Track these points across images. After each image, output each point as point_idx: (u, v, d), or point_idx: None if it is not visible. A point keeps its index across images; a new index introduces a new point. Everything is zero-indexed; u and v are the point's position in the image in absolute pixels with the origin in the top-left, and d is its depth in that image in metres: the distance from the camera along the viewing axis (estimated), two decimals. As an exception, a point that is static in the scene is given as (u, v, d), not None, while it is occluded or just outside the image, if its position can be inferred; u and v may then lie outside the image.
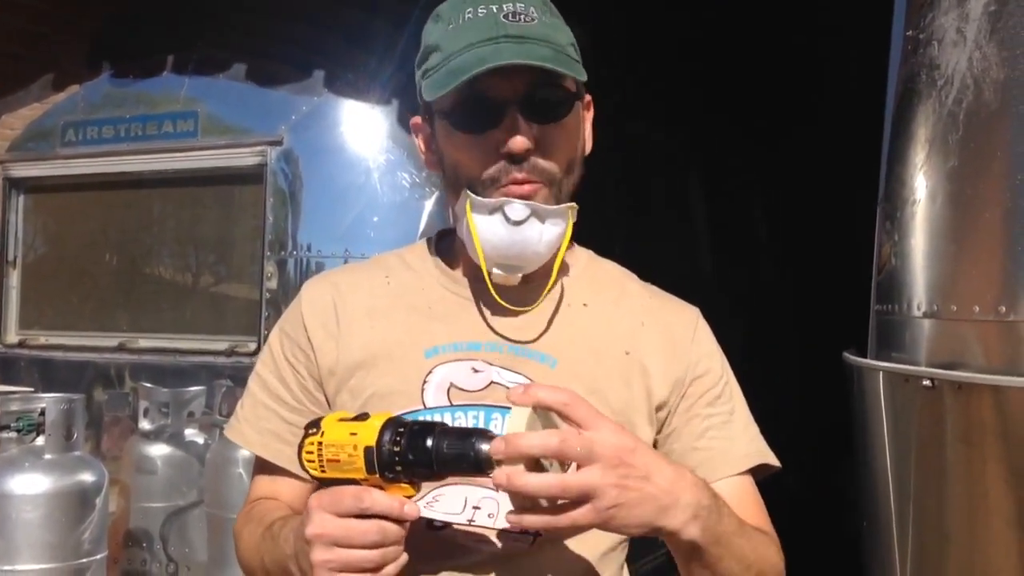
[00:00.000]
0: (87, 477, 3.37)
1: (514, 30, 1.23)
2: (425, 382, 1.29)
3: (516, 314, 1.33)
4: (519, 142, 1.24)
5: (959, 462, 2.11)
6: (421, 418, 1.22)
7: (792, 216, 6.80)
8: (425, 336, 1.32)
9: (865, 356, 2.51)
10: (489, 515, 1.25)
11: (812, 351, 4.75)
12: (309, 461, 1.14)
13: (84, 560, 3.32)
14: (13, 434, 3.31)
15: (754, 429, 1.40)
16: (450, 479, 1.22)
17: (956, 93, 2.17)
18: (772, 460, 1.38)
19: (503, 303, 1.31)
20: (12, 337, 4.92)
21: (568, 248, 1.40)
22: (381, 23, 4.25)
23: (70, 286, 4.93)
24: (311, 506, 1.11)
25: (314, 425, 1.15)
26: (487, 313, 1.34)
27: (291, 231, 4.14)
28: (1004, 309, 2.04)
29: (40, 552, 3.25)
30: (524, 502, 1.08)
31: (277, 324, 1.42)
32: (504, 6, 1.25)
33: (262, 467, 1.39)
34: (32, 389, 4.05)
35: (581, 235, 1.37)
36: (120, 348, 4.56)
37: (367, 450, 1.09)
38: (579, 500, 1.06)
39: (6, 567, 3.21)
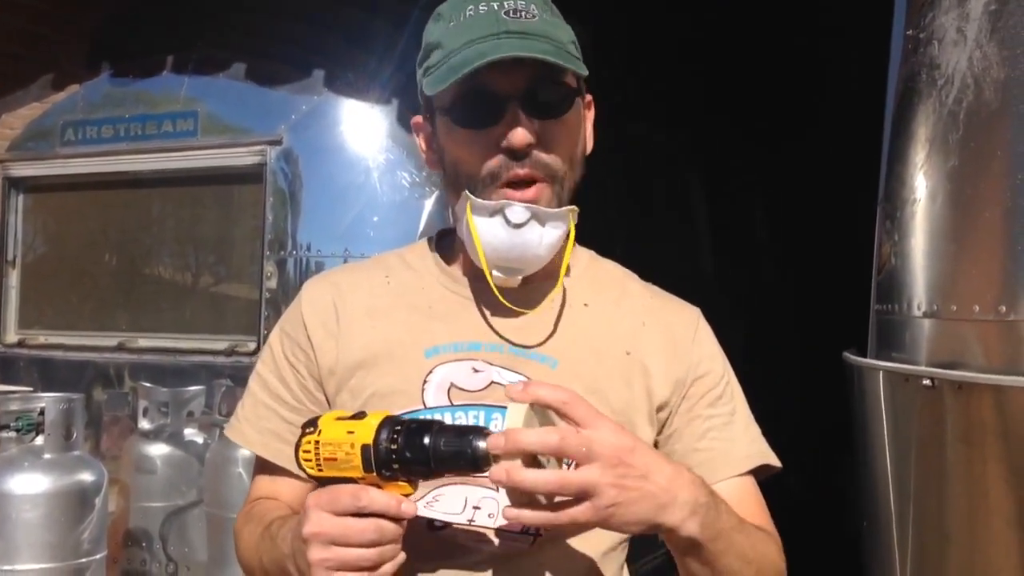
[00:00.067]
0: (86, 477, 3.37)
1: (515, 26, 1.24)
2: (425, 382, 1.29)
3: (517, 314, 1.33)
4: (520, 135, 1.23)
5: (959, 462, 2.11)
6: (419, 417, 1.22)
7: (793, 217, 6.80)
8: (425, 336, 1.32)
9: (865, 356, 2.50)
10: (489, 515, 1.25)
11: (813, 351, 4.75)
12: (306, 460, 1.14)
13: (83, 560, 3.32)
14: (12, 434, 3.31)
15: (755, 430, 1.40)
16: (449, 478, 1.22)
17: (956, 92, 2.17)
18: (773, 461, 1.38)
19: (504, 302, 1.31)
20: (11, 337, 4.92)
21: (569, 249, 1.40)
22: (381, 23, 4.25)
23: (70, 286, 4.92)
24: (308, 505, 1.11)
25: (311, 424, 1.15)
26: (487, 313, 1.34)
27: (291, 231, 4.14)
28: (1004, 309, 2.04)
29: (39, 552, 3.25)
30: (522, 499, 1.08)
31: (278, 324, 1.42)
32: (505, 3, 1.26)
33: (262, 467, 1.39)
34: (31, 389, 4.05)
35: (582, 236, 1.37)
36: (119, 348, 4.56)
37: (364, 448, 1.09)
38: (578, 497, 1.06)
39: (5, 567, 3.21)
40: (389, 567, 1.10)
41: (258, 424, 1.37)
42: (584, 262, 1.44)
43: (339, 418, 1.14)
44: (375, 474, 1.10)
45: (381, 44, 4.21)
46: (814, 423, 5.49)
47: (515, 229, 1.25)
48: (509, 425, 1.07)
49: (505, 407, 1.09)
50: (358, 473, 1.10)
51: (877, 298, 2.47)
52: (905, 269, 2.31)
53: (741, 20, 5.91)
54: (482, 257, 1.27)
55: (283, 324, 1.40)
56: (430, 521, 1.25)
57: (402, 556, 1.12)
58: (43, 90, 4.89)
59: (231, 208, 4.49)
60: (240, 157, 4.27)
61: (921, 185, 2.26)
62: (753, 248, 6.93)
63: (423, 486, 1.21)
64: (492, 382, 1.29)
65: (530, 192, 1.26)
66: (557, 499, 1.09)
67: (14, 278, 4.97)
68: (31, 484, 3.26)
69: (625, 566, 1.38)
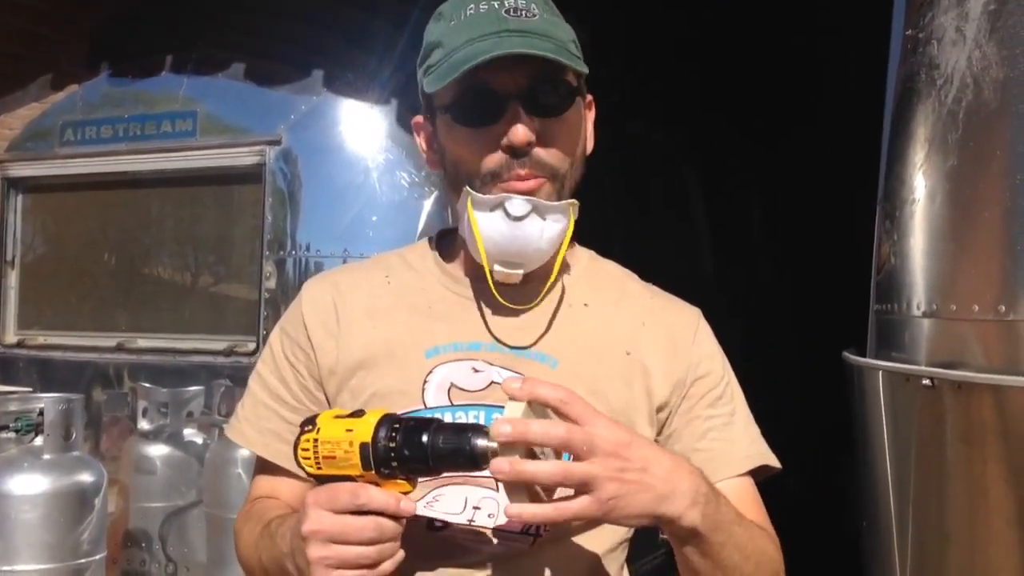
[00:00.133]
0: (86, 477, 3.37)
1: (516, 25, 1.24)
2: (426, 382, 1.29)
3: (517, 313, 1.33)
4: (520, 133, 1.23)
5: (959, 462, 2.11)
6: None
7: (791, 216, 6.80)
8: (426, 336, 1.32)
9: (865, 356, 2.50)
10: (489, 515, 1.25)
11: (812, 351, 4.75)
12: (305, 458, 1.14)
13: (83, 560, 3.32)
14: (12, 434, 3.31)
15: (755, 430, 1.40)
16: (449, 478, 1.22)
17: (955, 92, 2.16)
18: (773, 461, 1.38)
19: (503, 301, 1.31)
20: (11, 337, 4.92)
21: (569, 248, 1.40)
22: (381, 23, 4.25)
23: (69, 286, 4.92)
24: (307, 503, 1.11)
25: (310, 422, 1.15)
26: (488, 313, 1.34)
27: (290, 231, 4.14)
28: (1004, 308, 2.04)
29: (39, 552, 3.25)
30: (522, 497, 1.08)
31: (278, 324, 1.42)
32: (506, 2, 1.26)
33: (262, 467, 1.39)
34: (31, 389, 4.05)
35: (581, 235, 1.37)
36: (119, 348, 4.56)
37: (363, 446, 1.09)
38: (579, 489, 1.06)
39: (5, 567, 3.21)
40: (388, 565, 1.10)
41: (258, 424, 1.37)
42: (584, 262, 1.44)
43: (338, 416, 1.14)
44: (374, 472, 1.10)
45: (381, 44, 4.21)
46: (813, 423, 5.49)
47: (516, 222, 1.24)
48: None
49: (504, 408, 1.09)
50: (357, 471, 1.10)
51: (876, 298, 2.47)
52: (904, 269, 2.31)
53: (739, 19, 5.91)
54: (482, 252, 1.27)
55: (283, 324, 1.40)
56: (430, 521, 1.25)
57: (401, 554, 1.11)
58: (42, 90, 4.89)
59: (230, 208, 4.49)
60: (239, 157, 4.28)
61: (920, 185, 2.26)
62: (751, 247, 6.93)
63: (423, 486, 1.21)
64: (492, 382, 1.29)
65: (530, 183, 1.26)
66: (558, 495, 1.09)
67: (13, 278, 4.97)
68: (30, 485, 3.26)
69: (625, 566, 1.38)
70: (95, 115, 4.67)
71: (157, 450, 4.11)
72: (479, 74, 1.22)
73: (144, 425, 4.16)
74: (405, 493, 1.11)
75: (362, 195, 4.06)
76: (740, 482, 1.34)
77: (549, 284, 1.33)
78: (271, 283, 4.14)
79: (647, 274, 1.48)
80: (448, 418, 1.25)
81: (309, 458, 1.13)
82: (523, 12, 1.25)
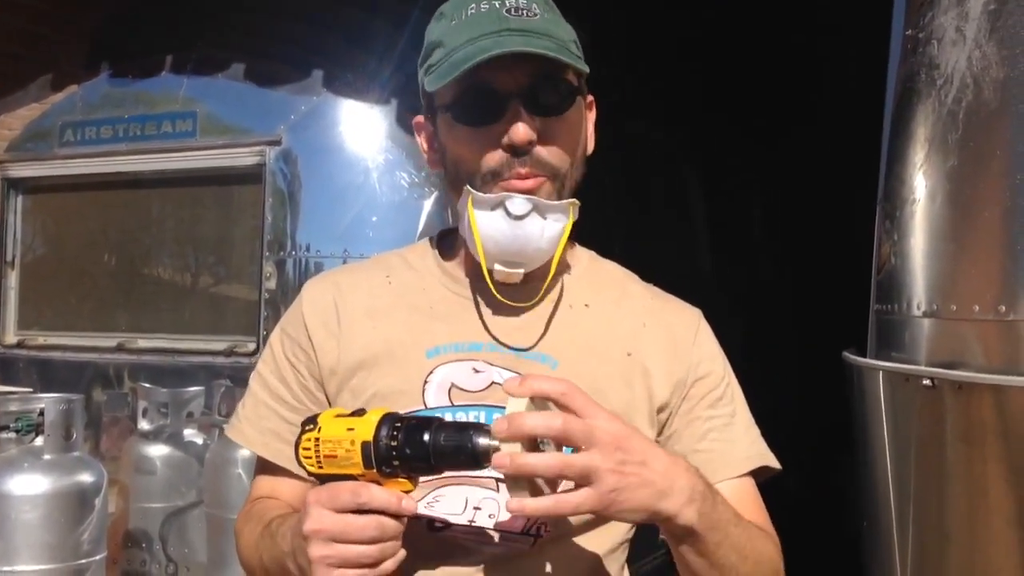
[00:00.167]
0: (86, 477, 3.37)
1: (517, 24, 1.24)
2: (426, 382, 1.29)
3: (518, 313, 1.33)
4: (521, 132, 1.23)
5: (959, 462, 2.11)
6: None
7: (791, 215, 6.80)
8: (426, 336, 1.32)
9: (865, 356, 2.50)
10: (490, 516, 1.25)
11: (812, 351, 4.75)
12: (306, 457, 1.14)
13: (83, 561, 3.32)
14: (12, 434, 3.31)
15: (755, 431, 1.40)
16: (450, 477, 1.22)
17: (955, 92, 2.16)
18: (773, 462, 1.38)
19: (502, 299, 1.31)
20: (11, 337, 4.92)
21: (569, 248, 1.41)
22: (381, 23, 4.25)
23: (69, 286, 4.92)
24: (308, 502, 1.11)
25: (311, 421, 1.15)
26: (488, 313, 1.34)
27: (290, 231, 4.14)
28: (1004, 308, 2.04)
29: (39, 553, 3.25)
30: (523, 493, 1.08)
31: (279, 324, 1.42)
32: (507, 1, 1.26)
33: (263, 467, 1.39)
34: (31, 389, 4.05)
35: (581, 235, 1.37)
36: (119, 348, 4.56)
37: (364, 445, 1.09)
38: (580, 482, 1.06)
39: (5, 568, 3.21)
40: (390, 564, 1.10)
41: (258, 424, 1.37)
42: (584, 262, 1.44)
43: (339, 415, 1.14)
44: (375, 471, 1.10)
45: (381, 44, 4.20)
46: (813, 422, 5.49)
47: (516, 221, 1.24)
48: None
49: (505, 408, 1.09)
50: (358, 470, 1.10)
51: (877, 298, 2.47)
52: (905, 269, 2.31)
53: (739, 18, 5.91)
54: (480, 251, 1.27)
55: (284, 324, 1.40)
56: (431, 522, 1.25)
57: (402, 553, 1.12)
58: (42, 91, 4.89)
59: (230, 208, 4.48)
60: (239, 157, 4.27)
61: (920, 185, 2.26)
62: (751, 246, 6.93)
63: (424, 487, 1.21)
64: (493, 382, 1.29)
65: (530, 182, 1.26)
66: (559, 489, 1.09)
67: (13, 279, 4.97)
68: (31, 485, 3.26)
69: (626, 567, 1.38)
70: (95, 115, 4.66)
71: (157, 450, 4.11)
72: (480, 73, 1.22)
73: (144, 425, 4.16)
74: (406, 492, 1.11)
75: (362, 195, 4.06)
76: (740, 483, 1.34)
77: (547, 283, 1.33)
78: (271, 283, 4.14)
79: (648, 274, 1.48)
80: (449, 418, 1.25)
81: (310, 457, 1.13)
82: (524, 11, 1.26)
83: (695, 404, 1.35)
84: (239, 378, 4.04)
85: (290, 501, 1.34)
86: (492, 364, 1.30)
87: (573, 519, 1.27)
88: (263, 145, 4.19)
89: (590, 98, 1.37)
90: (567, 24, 1.32)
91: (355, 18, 4.32)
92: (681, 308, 1.44)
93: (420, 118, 1.40)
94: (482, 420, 1.27)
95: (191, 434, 4.16)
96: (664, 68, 5.87)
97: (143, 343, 4.55)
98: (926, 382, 2.14)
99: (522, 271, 1.30)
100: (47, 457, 3.32)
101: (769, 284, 6.78)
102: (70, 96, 4.80)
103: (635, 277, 1.47)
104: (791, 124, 6.69)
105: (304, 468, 1.15)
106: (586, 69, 1.27)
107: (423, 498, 1.24)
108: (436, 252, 1.43)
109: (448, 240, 1.44)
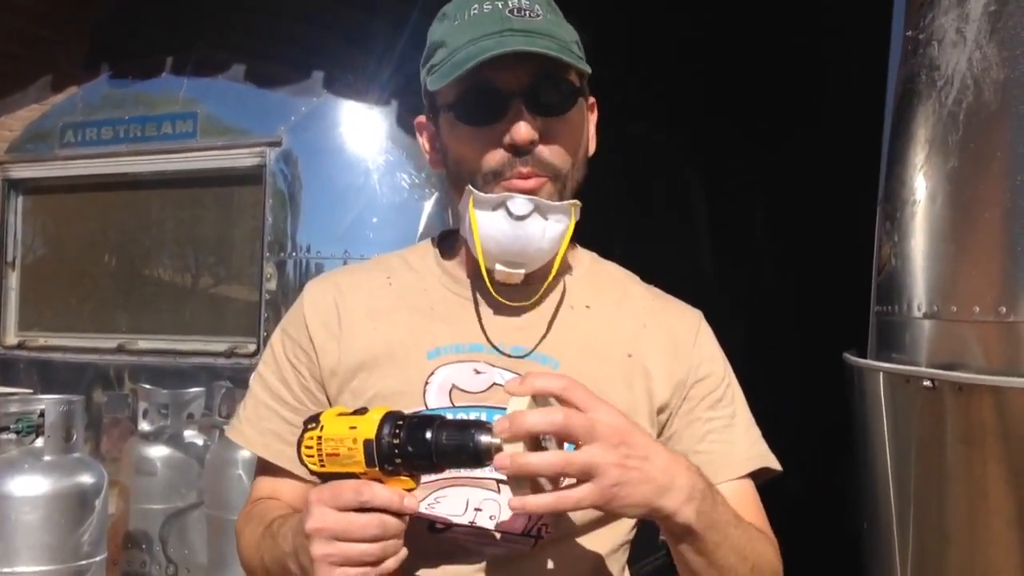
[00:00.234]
0: (86, 479, 3.37)
1: (519, 24, 1.24)
2: (427, 383, 1.29)
3: (518, 313, 1.33)
4: (523, 131, 1.23)
5: (959, 462, 2.11)
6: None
7: (793, 217, 6.80)
8: (427, 337, 1.32)
9: (865, 357, 2.50)
10: (491, 517, 1.25)
11: (813, 352, 4.75)
12: (308, 456, 1.14)
13: (83, 562, 3.32)
14: (12, 436, 3.31)
15: (755, 433, 1.40)
16: (452, 477, 1.22)
17: (956, 93, 2.16)
18: (773, 464, 1.38)
19: (501, 299, 1.31)
20: (11, 339, 4.92)
21: (571, 250, 1.41)
22: (381, 24, 4.25)
23: (69, 287, 4.93)
24: (310, 500, 1.11)
25: (313, 420, 1.15)
26: (489, 314, 1.34)
27: (290, 232, 4.14)
28: (1004, 310, 2.04)
29: (39, 554, 3.25)
30: (525, 492, 1.08)
31: (279, 325, 1.42)
32: (510, 2, 1.26)
33: (264, 468, 1.39)
34: (31, 391, 4.06)
35: (582, 236, 1.37)
36: (119, 349, 4.56)
37: (366, 443, 1.09)
38: (581, 478, 1.06)
39: (5, 569, 3.21)
40: (392, 562, 1.10)
41: (259, 425, 1.37)
42: (586, 264, 1.44)
43: (341, 414, 1.14)
44: (377, 469, 1.10)
45: (380, 45, 4.21)
46: (814, 423, 5.49)
47: (517, 221, 1.24)
48: None
49: (506, 408, 1.09)
50: (360, 468, 1.10)
51: (877, 299, 2.47)
52: (905, 270, 2.31)
53: (741, 20, 5.91)
54: (480, 252, 1.27)
55: (285, 325, 1.40)
56: (432, 523, 1.25)
57: (404, 551, 1.12)
58: (42, 91, 4.89)
59: (231, 210, 4.48)
60: (239, 158, 4.28)
61: (921, 186, 2.26)
62: (753, 248, 6.93)
63: (425, 488, 1.21)
64: (494, 384, 1.29)
65: (532, 182, 1.26)
66: (561, 486, 1.09)
67: (14, 280, 4.97)
68: (31, 486, 3.26)
69: (627, 568, 1.38)
70: (95, 116, 4.67)
71: (158, 451, 4.11)
72: (482, 72, 1.22)
73: (144, 426, 4.16)
74: (409, 490, 1.11)
75: (362, 196, 4.06)
76: (740, 484, 1.33)
77: (547, 283, 1.33)
78: (271, 284, 4.14)
79: (649, 275, 1.48)
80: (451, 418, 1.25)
81: (313, 456, 1.13)
82: (527, 12, 1.26)
83: (695, 405, 1.35)
84: (239, 379, 4.04)
85: (291, 502, 1.34)
86: (493, 365, 1.30)
87: (574, 519, 1.27)
88: (263, 146, 4.20)
89: (592, 100, 1.37)
90: (569, 25, 1.32)
91: (355, 19, 4.33)
92: (682, 309, 1.44)
93: (422, 118, 1.40)
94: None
95: (191, 435, 4.16)
96: (666, 70, 5.88)
97: (143, 344, 4.55)
98: (926, 383, 2.14)
99: (523, 271, 1.30)
100: (47, 458, 3.32)
101: (770, 286, 6.78)
102: (70, 97, 4.80)
103: (636, 278, 1.47)
104: (793, 126, 6.69)
105: (306, 467, 1.15)
106: (588, 70, 1.27)
107: (424, 499, 1.24)
108: (437, 253, 1.42)
109: (449, 241, 1.44)
